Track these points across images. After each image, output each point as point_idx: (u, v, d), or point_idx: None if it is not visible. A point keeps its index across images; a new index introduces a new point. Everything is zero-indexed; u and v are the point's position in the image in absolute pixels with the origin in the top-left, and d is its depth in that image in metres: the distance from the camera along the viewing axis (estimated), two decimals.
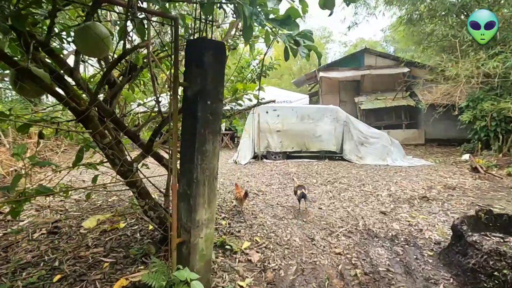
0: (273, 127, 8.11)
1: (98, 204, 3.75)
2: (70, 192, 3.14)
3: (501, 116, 7.05)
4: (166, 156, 2.40)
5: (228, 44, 2.70)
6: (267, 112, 8.06)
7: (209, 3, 1.59)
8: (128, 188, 2.26)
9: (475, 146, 8.07)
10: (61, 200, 3.81)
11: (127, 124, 2.51)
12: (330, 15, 1.59)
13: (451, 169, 6.50)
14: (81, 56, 1.99)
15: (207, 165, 1.75)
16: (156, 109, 2.41)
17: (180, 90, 1.91)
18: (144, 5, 1.82)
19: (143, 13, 1.73)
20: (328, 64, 13.55)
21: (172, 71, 1.64)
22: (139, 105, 2.93)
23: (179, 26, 1.78)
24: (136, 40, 2.35)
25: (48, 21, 1.70)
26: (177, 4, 2.26)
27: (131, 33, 2.23)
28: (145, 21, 1.84)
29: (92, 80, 2.59)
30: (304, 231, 3.00)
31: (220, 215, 3.41)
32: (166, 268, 1.73)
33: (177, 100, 1.66)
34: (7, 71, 1.82)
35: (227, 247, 2.52)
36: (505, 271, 1.85)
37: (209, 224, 1.84)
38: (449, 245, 2.41)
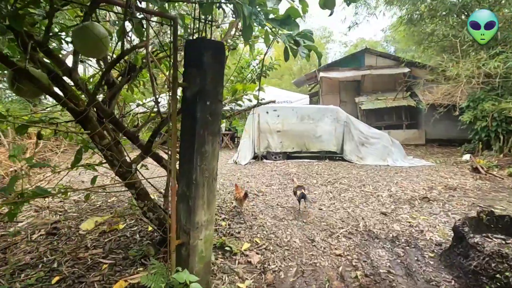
0: (273, 127, 8.09)
1: (97, 205, 3.74)
2: (69, 193, 3.13)
3: (502, 117, 7.03)
4: (166, 156, 2.38)
5: (227, 44, 2.68)
6: (267, 112, 8.05)
7: (208, 3, 1.58)
8: (127, 189, 2.25)
9: (476, 147, 8.05)
10: (61, 201, 3.80)
11: (126, 125, 2.50)
12: (330, 15, 1.57)
13: (452, 169, 6.48)
14: (79, 57, 1.97)
15: (207, 166, 1.74)
16: (155, 110, 2.40)
17: (179, 90, 1.90)
18: (143, 5, 1.80)
19: (142, 13, 1.72)
20: (329, 64, 13.53)
21: (171, 71, 1.63)
22: (138, 105, 2.92)
23: (178, 26, 1.76)
24: (136, 40, 2.34)
25: (46, 21, 1.68)
26: (176, 4, 2.25)
27: (130, 33, 2.22)
28: (144, 21, 1.82)
29: (91, 80, 2.58)
30: (304, 232, 2.99)
31: (220, 216, 3.39)
32: (165, 270, 1.72)
33: (176, 100, 1.65)
34: (6, 72, 1.81)
35: (227, 248, 2.51)
36: (507, 274, 1.83)
37: (209, 225, 1.82)
38: (450, 247, 2.39)
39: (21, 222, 3.10)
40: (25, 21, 1.58)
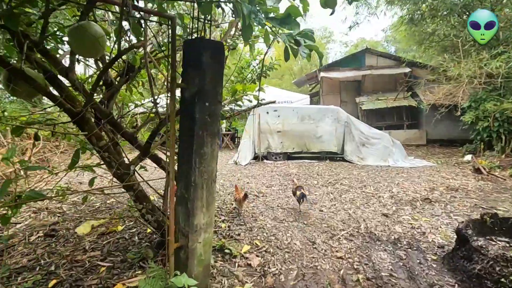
0: (274, 127, 8.06)
1: (96, 206, 3.71)
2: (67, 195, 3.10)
3: (504, 117, 6.98)
4: (165, 158, 2.35)
5: (227, 44, 2.65)
6: (267, 112, 8.02)
7: (207, 2, 1.55)
8: (125, 191, 2.22)
9: (478, 147, 8.00)
10: (59, 202, 3.77)
11: (124, 126, 2.47)
12: (331, 14, 1.54)
13: (453, 170, 6.44)
14: (76, 57, 1.94)
15: (205, 168, 1.71)
16: (154, 110, 2.37)
17: (178, 91, 1.87)
18: (141, 4, 1.78)
19: (140, 12, 1.69)
20: (329, 64, 13.50)
21: (170, 71, 1.60)
22: (136, 106, 2.89)
23: (177, 26, 1.73)
24: (134, 40, 2.31)
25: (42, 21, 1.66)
26: (175, 3, 2.22)
27: (128, 33, 2.20)
28: (142, 21, 1.79)
29: (90, 80, 2.55)
30: (305, 234, 2.96)
31: (220, 218, 3.36)
32: (163, 274, 1.69)
33: (175, 101, 1.62)
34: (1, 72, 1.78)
35: (227, 251, 2.48)
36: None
37: (208, 228, 1.79)
38: (453, 250, 2.35)
39: (19, 223, 3.07)
40: (21, 20, 1.55)
